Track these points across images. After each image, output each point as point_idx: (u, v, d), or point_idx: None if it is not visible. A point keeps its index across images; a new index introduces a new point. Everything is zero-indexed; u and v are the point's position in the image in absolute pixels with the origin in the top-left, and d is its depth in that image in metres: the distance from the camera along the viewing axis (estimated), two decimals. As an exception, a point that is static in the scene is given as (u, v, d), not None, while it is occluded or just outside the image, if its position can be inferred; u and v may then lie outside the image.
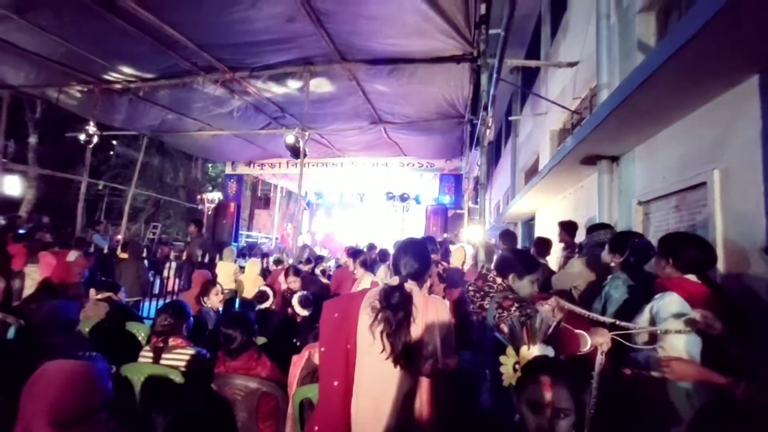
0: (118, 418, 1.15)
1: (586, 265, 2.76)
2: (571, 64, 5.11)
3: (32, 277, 5.14)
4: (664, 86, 2.22)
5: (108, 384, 1.16)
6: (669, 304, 1.62)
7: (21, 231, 6.75)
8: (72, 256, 5.18)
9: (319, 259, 6.68)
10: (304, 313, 3.04)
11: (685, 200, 2.68)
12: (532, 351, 1.20)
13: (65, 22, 4.50)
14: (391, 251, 4.00)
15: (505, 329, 1.42)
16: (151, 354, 2.06)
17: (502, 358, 1.23)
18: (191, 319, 2.34)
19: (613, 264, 2.23)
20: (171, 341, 2.09)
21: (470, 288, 2.02)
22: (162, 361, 2.04)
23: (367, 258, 3.83)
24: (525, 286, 1.89)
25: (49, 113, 13.71)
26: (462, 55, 4.68)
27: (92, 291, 3.17)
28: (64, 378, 1.05)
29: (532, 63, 7.03)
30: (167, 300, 5.03)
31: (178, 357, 2.09)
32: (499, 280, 1.96)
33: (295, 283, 3.80)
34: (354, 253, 4.18)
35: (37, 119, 14.55)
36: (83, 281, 5.18)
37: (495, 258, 4.30)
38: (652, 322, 1.65)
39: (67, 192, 14.91)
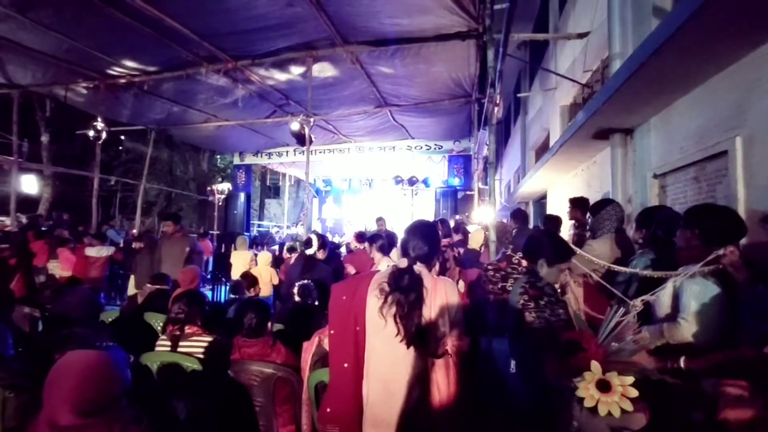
0: (138, 406, 1.18)
1: (603, 245, 2.67)
2: (581, 36, 4.90)
3: (55, 272, 5.31)
4: (681, 51, 2.10)
5: (126, 373, 1.19)
6: (693, 282, 1.56)
7: (42, 228, 6.95)
8: (96, 251, 5.32)
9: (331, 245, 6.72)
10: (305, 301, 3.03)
11: (705, 171, 2.58)
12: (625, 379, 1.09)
13: (66, 18, 4.50)
14: (400, 235, 3.99)
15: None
16: (168, 342, 2.11)
17: (581, 383, 1.12)
18: (207, 308, 2.38)
19: (640, 241, 2.15)
20: (187, 329, 2.14)
21: (489, 268, 1.96)
22: (179, 349, 2.09)
23: (384, 243, 3.79)
24: (553, 273, 1.77)
25: (59, 112, 13.88)
26: (467, 32, 4.54)
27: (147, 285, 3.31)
28: (83, 368, 1.07)
29: (540, 36, 6.79)
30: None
31: (196, 344, 2.13)
32: (524, 262, 1.87)
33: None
34: (371, 238, 4.16)
35: (47, 118, 14.76)
36: (106, 275, 5.35)
37: (515, 237, 4.26)
38: (676, 297, 1.60)
39: (82, 189, 15.19)
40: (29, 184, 13.12)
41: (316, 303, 3.02)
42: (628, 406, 1.02)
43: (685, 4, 1.84)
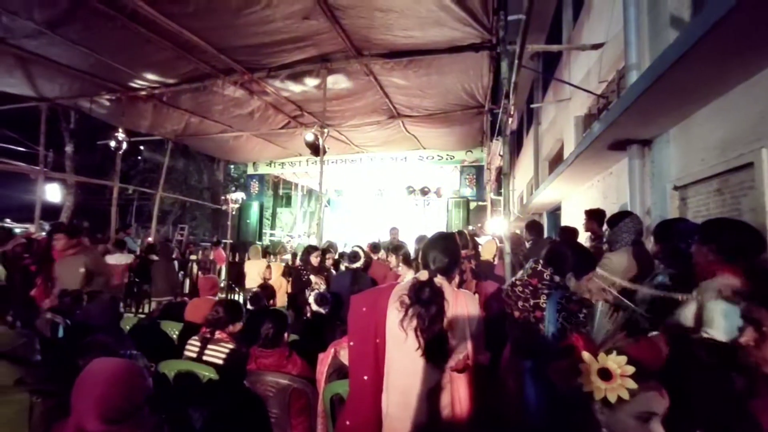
0: (158, 414, 1.19)
1: (621, 257, 2.60)
2: (596, 47, 4.89)
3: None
4: (702, 62, 2.08)
5: (148, 381, 1.21)
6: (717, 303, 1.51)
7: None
8: (116, 258, 5.43)
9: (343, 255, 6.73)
10: (320, 310, 3.03)
11: (728, 183, 2.52)
12: (618, 358, 1.08)
13: (93, 34, 4.70)
14: (411, 245, 3.97)
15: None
16: (198, 344, 2.14)
17: (584, 377, 1.11)
18: (242, 321, 2.38)
19: (660, 255, 2.10)
20: (217, 334, 2.17)
21: (518, 283, 1.89)
22: (206, 351, 2.12)
23: (408, 253, 3.78)
24: (582, 286, 1.72)
25: (82, 123, 14.37)
26: (481, 43, 4.57)
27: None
28: (109, 376, 1.09)
29: (554, 47, 6.78)
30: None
31: (221, 350, 2.16)
32: (557, 277, 1.78)
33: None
34: (395, 248, 4.14)
35: (72, 129, 15.29)
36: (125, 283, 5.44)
37: (529, 249, 4.19)
38: (699, 313, 1.56)
39: (101, 197, 15.61)
40: (53, 192, 13.54)
41: (326, 311, 3.02)
42: (632, 384, 1.03)
43: (707, 14, 1.82)
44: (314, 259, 4.25)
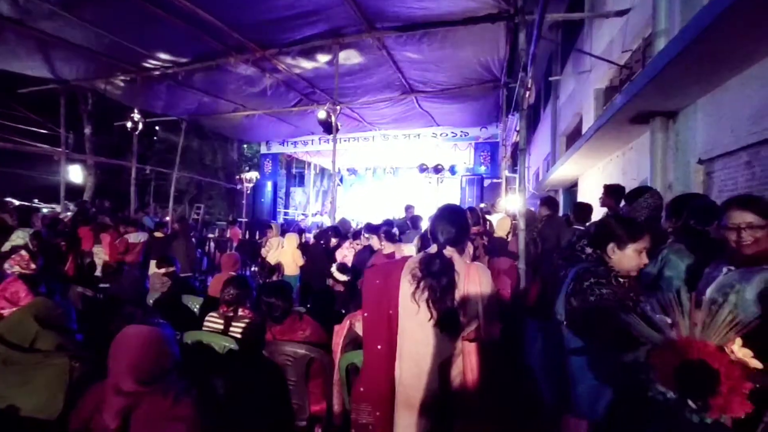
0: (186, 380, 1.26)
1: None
2: (621, 13, 4.63)
3: (99, 256, 5.65)
4: (738, 24, 1.95)
5: (176, 348, 1.28)
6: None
7: (90, 214, 7.39)
8: (135, 237, 5.62)
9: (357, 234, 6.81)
10: (342, 278, 3.16)
11: (760, 155, 2.41)
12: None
13: (108, 14, 4.72)
14: (426, 222, 3.99)
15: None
16: (221, 321, 2.23)
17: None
18: (254, 293, 2.46)
19: (670, 230, 2.05)
20: (240, 311, 2.27)
21: (560, 259, 1.87)
22: (231, 328, 2.21)
23: (389, 230, 3.81)
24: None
25: (99, 104, 14.59)
26: (497, 14, 4.38)
27: (153, 265, 3.42)
28: (141, 342, 1.17)
29: (576, 15, 6.44)
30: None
31: (242, 325, 2.25)
32: (588, 249, 1.67)
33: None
34: (374, 228, 4.21)
35: (89, 111, 15.56)
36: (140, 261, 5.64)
37: (544, 226, 4.14)
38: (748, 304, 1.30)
39: (120, 178, 16.01)
40: (75, 173, 13.95)
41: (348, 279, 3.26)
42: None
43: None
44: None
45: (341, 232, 5.32)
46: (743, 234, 1.37)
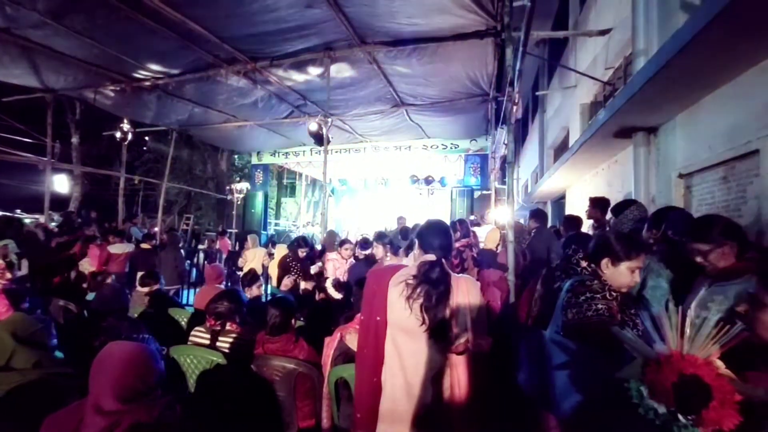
0: (171, 395, 1.24)
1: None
2: (603, 32, 4.80)
3: (84, 267, 5.53)
4: (712, 46, 2.05)
5: (161, 364, 1.25)
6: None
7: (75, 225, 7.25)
8: (119, 248, 5.52)
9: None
10: (337, 296, 3.12)
11: (735, 171, 2.50)
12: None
13: (97, 24, 4.69)
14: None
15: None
16: (208, 335, 2.18)
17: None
18: (245, 309, 2.43)
19: (651, 241, 2.12)
20: (228, 325, 2.22)
21: (557, 271, 1.90)
22: (219, 343, 2.16)
23: (392, 240, 3.84)
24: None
25: (88, 114, 14.43)
26: (485, 30, 4.50)
27: (139, 285, 3.35)
28: (124, 358, 1.14)
29: (561, 34, 6.67)
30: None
31: (230, 340, 2.21)
32: (584, 263, 1.69)
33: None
34: (379, 236, 4.19)
35: (77, 120, 15.37)
36: (126, 272, 5.53)
37: (533, 238, 4.19)
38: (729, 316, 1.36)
39: (108, 188, 15.79)
40: (61, 183, 13.69)
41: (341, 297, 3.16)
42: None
43: None
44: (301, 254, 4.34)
45: (309, 242, 5.18)
46: (703, 260, 1.60)
